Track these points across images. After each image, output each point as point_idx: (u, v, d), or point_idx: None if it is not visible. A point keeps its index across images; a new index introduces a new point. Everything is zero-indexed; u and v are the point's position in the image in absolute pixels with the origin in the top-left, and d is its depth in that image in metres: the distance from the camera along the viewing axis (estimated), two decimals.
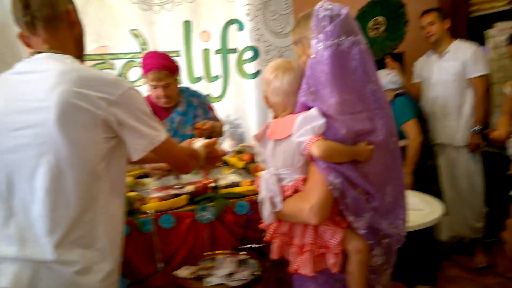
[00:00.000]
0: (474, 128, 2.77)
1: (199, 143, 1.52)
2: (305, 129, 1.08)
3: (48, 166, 1.00)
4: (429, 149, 2.70)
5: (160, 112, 2.29)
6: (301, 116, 1.09)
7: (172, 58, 2.28)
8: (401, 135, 2.59)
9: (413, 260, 2.35)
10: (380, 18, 3.05)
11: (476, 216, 2.88)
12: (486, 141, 2.73)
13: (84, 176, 1.03)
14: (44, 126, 0.99)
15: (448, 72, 2.83)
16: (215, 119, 2.40)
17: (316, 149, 1.05)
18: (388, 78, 2.70)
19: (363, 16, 3.10)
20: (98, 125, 1.02)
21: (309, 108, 1.11)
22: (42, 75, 1.04)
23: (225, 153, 1.67)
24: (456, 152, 2.89)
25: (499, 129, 2.23)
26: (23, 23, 1.09)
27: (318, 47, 1.08)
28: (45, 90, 1.00)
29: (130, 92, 1.07)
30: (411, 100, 2.67)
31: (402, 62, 3.39)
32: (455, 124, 2.85)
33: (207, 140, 1.54)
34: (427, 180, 2.65)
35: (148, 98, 2.31)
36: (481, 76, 2.72)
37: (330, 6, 1.10)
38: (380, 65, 2.86)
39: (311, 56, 1.10)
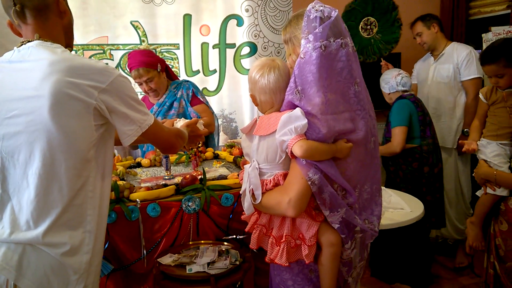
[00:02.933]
0: (463, 131, 2.80)
1: (180, 123, 1.57)
2: (288, 128, 1.11)
3: (41, 153, 1.04)
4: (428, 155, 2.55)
5: (147, 104, 2.38)
6: (285, 115, 1.12)
7: (153, 53, 2.35)
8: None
9: (397, 258, 2.40)
10: (371, 19, 3.08)
11: (461, 218, 2.93)
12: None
13: (75, 162, 1.07)
14: (37, 114, 1.03)
15: (442, 74, 2.87)
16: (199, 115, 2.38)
17: (298, 149, 1.09)
18: (398, 79, 2.56)
19: (353, 14, 3.11)
20: (89, 113, 1.06)
21: (295, 106, 1.14)
22: (34, 64, 1.07)
23: (207, 132, 1.71)
24: (446, 154, 2.93)
25: (471, 134, 2.27)
26: (13, 12, 1.11)
27: (308, 47, 1.10)
28: (38, 79, 1.03)
29: (119, 79, 1.11)
30: (413, 104, 2.50)
31: (400, 63, 3.41)
32: (446, 126, 2.90)
33: (188, 120, 1.60)
34: (422, 189, 2.55)
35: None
36: (473, 79, 2.75)
37: (321, 8, 1.13)
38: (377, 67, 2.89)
39: (300, 56, 1.12)
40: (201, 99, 2.46)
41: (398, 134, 2.42)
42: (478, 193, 2.04)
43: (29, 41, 1.13)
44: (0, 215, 1.08)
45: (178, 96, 2.40)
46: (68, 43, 1.23)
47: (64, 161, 1.05)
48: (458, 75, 2.83)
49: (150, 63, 2.28)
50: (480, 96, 2.12)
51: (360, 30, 3.12)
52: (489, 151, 1.94)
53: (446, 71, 2.85)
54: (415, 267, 2.51)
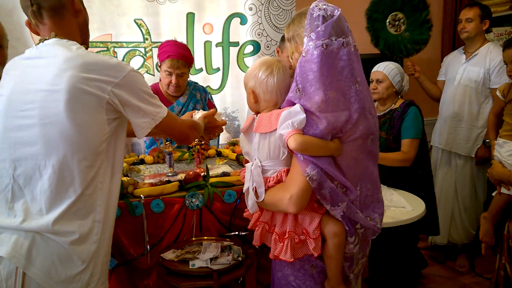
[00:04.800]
0: (486, 141, 2.67)
1: (198, 114, 1.60)
2: (286, 123, 1.13)
3: (54, 145, 1.07)
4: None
5: (163, 100, 2.37)
6: (285, 111, 1.14)
7: (190, 50, 2.38)
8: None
9: (395, 259, 2.37)
10: (400, 15, 2.88)
11: (472, 223, 2.86)
12: None
13: (87, 154, 1.10)
14: (51, 108, 1.06)
15: (470, 77, 2.70)
16: None
17: (292, 142, 1.11)
18: (405, 81, 2.33)
19: (380, 5, 2.90)
20: (102, 107, 1.10)
21: (294, 104, 1.16)
22: (50, 60, 1.11)
23: (225, 123, 1.73)
24: (462, 161, 2.82)
25: (490, 132, 2.26)
26: (30, 12, 1.16)
27: (309, 45, 1.12)
28: (53, 75, 1.07)
29: (132, 74, 1.15)
30: (420, 113, 2.32)
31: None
32: (465, 133, 2.75)
33: (205, 112, 1.62)
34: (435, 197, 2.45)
35: (155, 86, 2.40)
36: None
37: (324, 7, 1.14)
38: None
39: (302, 55, 1.14)
40: (213, 103, 2.57)
41: (415, 147, 2.22)
42: (494, 193, 2.04)
43: (46, 39, 1.17)
44: (12, 204, 1.11)
45: (198, 98, 2.46)
46: (83, 40, 1.26)
47: (76, 153, 1.08)
48: (487, 81, 2.65)
49: (189, 60, 2.32)
50: (498, 93, 2.09)
51: (388, 25, 2.92)
52: (505, 150, 1.92)
53: (476, 75, 2.67)
54: (403, 269, 2.45)
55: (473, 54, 2.73)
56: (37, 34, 1.21)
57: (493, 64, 2.61)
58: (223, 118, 3.05)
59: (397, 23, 2.91)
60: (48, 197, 1.09)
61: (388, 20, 2.91)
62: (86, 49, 1.21)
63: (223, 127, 1.78)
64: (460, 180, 2.85)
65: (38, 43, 1.17)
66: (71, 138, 1.07)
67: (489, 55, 2.65)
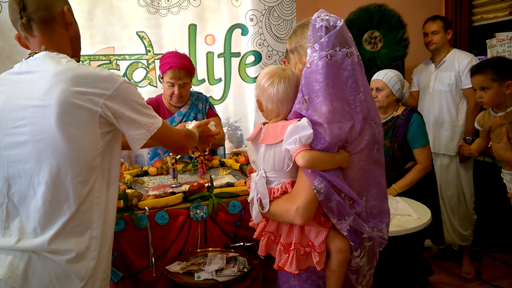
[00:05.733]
0: (465, 139, 2.76)
1: (191, 124, 1.60)
2: (293, 138, 1.12)
3: (47, 162, 1.05)
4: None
5: (164, 111, 2.38)
6: (292, 125, 1.14)
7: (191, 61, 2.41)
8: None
9: (401, 267, 2.35)
10: (376, 33, 3.04)
11: (464, 224, 2.93)
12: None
13: (81, 170, 1.08)
14: (43, 123, 1.04)
15: (443, 82, 2.90)
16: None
17: (300, 159, 1.10)
18: (406, 88, 2.32)
19: (356, 23, 3.02)
20: (95, 121, 1.07)
21: (301, 115, 1.15)
22: (40, 75, 1.09)
23: (218, 132, 1.72)
24: (448, 161, 2.96)
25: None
26: (20, 25, 1.14)
27: (313, 56, 1.12)
28: (43, 90, 1.05)
29: (124, 85, 1.12)
30: (422, 118, 2.33)
31: (404, 71, 3.40)
32: (448, 133, 2.93)
33: (198, 121, 1.63)
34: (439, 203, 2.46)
35: (157, 97, 2.41)
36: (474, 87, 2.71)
37: (327, 17, 1.14)
38: None
39: (307, 66, 1.13)
40: (215, 111, 2.57)
41: (428, 153, 2.24)
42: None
43: (36, 53, 1.15)
44: (7, 223, 1.09)
45: (200, 108, 2.46)
46: (75, 53, 1.24)
47: (70, 169, 1.06)
48: (459, 83, 2.86)
49: (191, 70, 2.34)
50: (476, 125, 2.14)
51: (364, 42, 3.05)
52: None
53: (448, 78, 2.88)
54: (414, 273, 2.43)
55: (442, 61, 2.94)
56: (27, 47, 1.19)
57: (462, 66, 2.83)
58: (225, 128, 3.06)
59: (373, 40, 3.06)
60: (42, 215, 1.06)
61: (364, 37, 3.05)
62: (78, 62, 1.19)
63: (225, 137, 1.77)
64: (446, 179, 2.96)
65: (28, 57, 1.15)
66: (64, 154, 1.05)
67: (457, 59, 2.88)
